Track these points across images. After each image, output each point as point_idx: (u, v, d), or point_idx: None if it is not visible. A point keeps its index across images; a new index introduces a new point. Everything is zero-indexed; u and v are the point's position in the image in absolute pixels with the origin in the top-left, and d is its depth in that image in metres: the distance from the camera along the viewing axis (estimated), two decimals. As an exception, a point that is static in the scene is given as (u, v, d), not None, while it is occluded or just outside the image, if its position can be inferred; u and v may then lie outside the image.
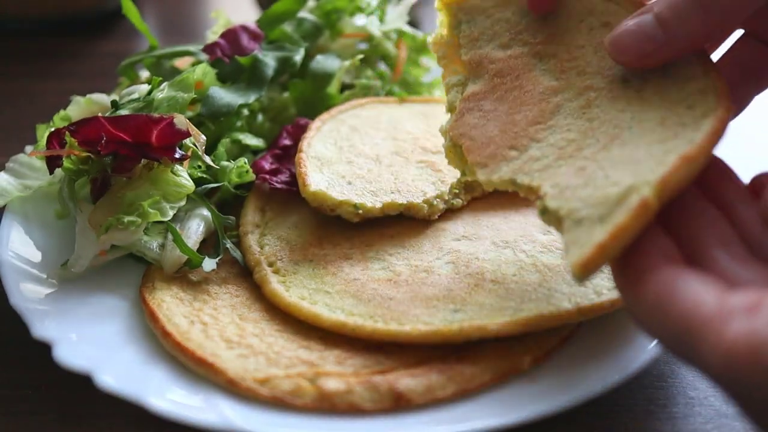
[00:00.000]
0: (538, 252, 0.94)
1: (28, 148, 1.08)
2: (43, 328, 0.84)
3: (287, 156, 1.08)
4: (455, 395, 0.79)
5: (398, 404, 0.78)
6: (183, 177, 0.94)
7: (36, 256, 0.95)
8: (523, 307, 0.84)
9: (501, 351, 0.83)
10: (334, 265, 0.94)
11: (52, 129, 0.94)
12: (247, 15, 1.76)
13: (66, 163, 0.92)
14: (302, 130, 1.11)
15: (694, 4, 0.74)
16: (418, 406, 0.79)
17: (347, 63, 1.19)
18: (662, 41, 0.76)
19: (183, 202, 0.93)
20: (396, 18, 1.27)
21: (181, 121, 0.92)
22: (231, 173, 1.02)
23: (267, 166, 1.06)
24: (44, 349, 0.83)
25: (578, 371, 0.81)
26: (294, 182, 1.02)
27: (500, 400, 0.78)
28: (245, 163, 1.03)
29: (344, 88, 1.23)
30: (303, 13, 1.24)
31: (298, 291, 0.90)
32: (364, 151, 1.06)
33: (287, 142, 1.09)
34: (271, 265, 0.95)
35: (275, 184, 1.04)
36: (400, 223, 1.00)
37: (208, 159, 0.99)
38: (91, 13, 1.75)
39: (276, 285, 0.91)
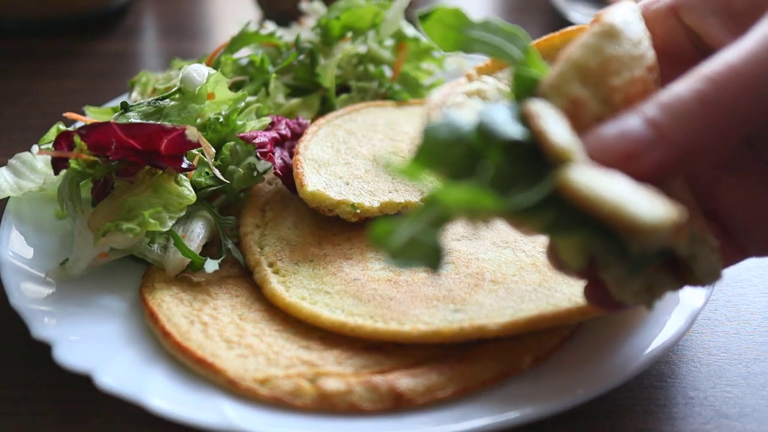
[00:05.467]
0: (538, 252, 0.94)
1: (35, 148, 1.08)
2: (43, 328, 0.84)
3: (284, 145, 1.08)
4: (455, 395, 0.79)
5: (398, 404, 0.78)
6: (185, 187, 0.94)
7: (36, 256, 0.96)
8: (523, 307, 0.84)
9: (501, 351, 0.83)
10: (334, 265, 0.94)
11: (62, 130, 0.94)
12: (248, 15, 1.77)
13: (72, 164, 0.92)
14: (300, 128, 1.11)
15: (693, 101, 0.61)
16: (418, 406, 0.79)
17: (338, 56, 1.19)
18: (653, 142, 0.61)
19: (183, 213, 0.93)
20: (392, 20, 1.26)
21: (192, 133, 0.92)
22: (237, 178, 1.02)
23: (266, 138, 1.05)
24: (45, 349, 0.83)
25: (578, 371, 0.81)
26: (289, 175, 1.02)
27: (500, 400, 0.78)
28: (253, 165, 1.04)
29: (341, 90, 1.24)
30: (305, 34, 1.25)
31: (298, 291, 0.90)
32: (361, 152, 1.07)
33: (285, 132, 1.09)
34: (271, 265, 0.95)
35: (276, 159, 1.03)
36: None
37: (218, 173, 0.99)
38: (91, 13, 1.75)
39: (276, 285, 0.91)
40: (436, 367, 0.81)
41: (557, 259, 0.69)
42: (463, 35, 0.69)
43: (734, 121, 0.61)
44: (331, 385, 0.79)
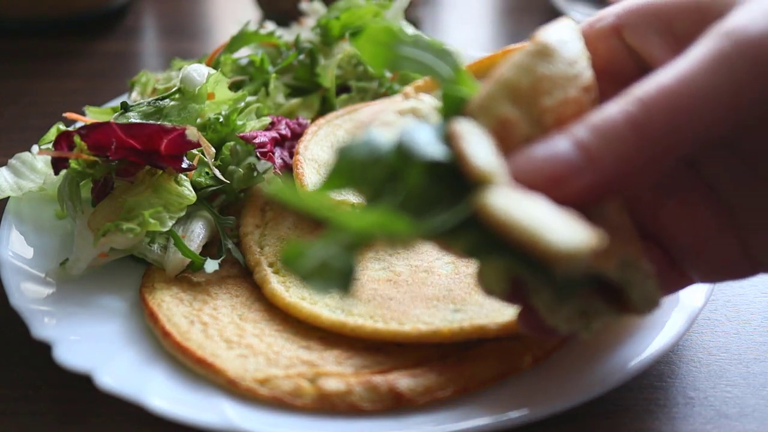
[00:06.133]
0: (538, 252, 0.94)
1: (35, 149, 1.08)
2: (43, 328, 0.84)
3: (284, 145, 1.08)
4: (455, 395, 0.79)
5: (398, 404, 0.78)
6: (185, 187, 0.94)
7: (36, 256, 0.96)
8: (523, 307, 0.84)
9: (501, 351, 0.83)
10: (334, 265, 0.94)
11: (62, 130, 0.94)
12: (248, 15, 1.77)
13: (72, 164, 0.92)
14: (300, 128, 1.11)
15: (624, 123, 0.59)
16: (418, 406, 0.79)
17: (338, 56, 1.19)
18: (582, 165, 0.59)
19: (183, 213, 0.93)
20: (392, 20, 1.26)
21: (192, 133, 0.92)
22: (237, 178, 1.02)
23: (266, 138, 1.05)
24: (45, 349, 0.83)
25: (578, 371, 0.81)
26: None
27: (500, 400, 0.78)
28: (253, 165, 1.04)
29: (341, 90, 1.24)
30: (305, 34, 1.25)
31: (298, 291, 0.90)
32: (362, 152, 1.06)
33: (285, 132, 1.09)
34: (271, 265, 0.95)
35: (276, 159, 1.03)
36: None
37: (218, 172, 0.99)
38: (91, 13, 1.75)
39: (276, 285, 0.91)
40: (436, 367, 0.81)
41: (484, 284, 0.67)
42: (392, 52, 0.66)
43: (667, 143, 0.59)
44: (331, 385, 0.79)
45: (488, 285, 0.64)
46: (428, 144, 0.60)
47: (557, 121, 0.63)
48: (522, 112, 0.63)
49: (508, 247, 0.57)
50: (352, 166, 0.59)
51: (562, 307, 0.65)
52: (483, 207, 0.56)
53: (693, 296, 0.87)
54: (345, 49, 1.22)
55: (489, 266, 0.63)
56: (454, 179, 0.59)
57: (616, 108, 0.60)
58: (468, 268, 0.92)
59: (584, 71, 0.67)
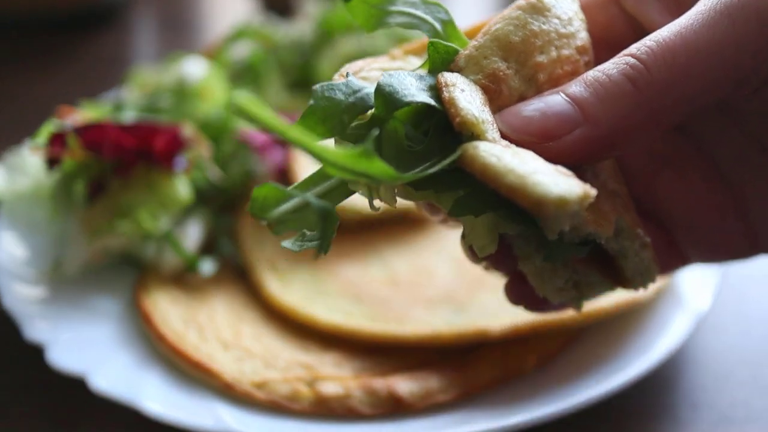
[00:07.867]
0: (540, 252, 0.92)
1: (29, 147, 1.06)
2: (35, 330, 0.83)
3: (282, 145, 1.07)
4: (456, 399, 0.78)
5: (397, 408, 0.77)
6: (181, 187, 0.93)
7: (30, 257, 0.94)
8: (525, 309, 0.83)
9: (503, 354, 0.81)
10: (332, 266, 0.92)
11: (56, 129, 0.93)
12: (246, 11, 1.75)
13: (66, 163, 0.91)
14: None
15: (621, 78, 0.56)
16: (418, 410, 0.77)
17: (338, 53, 1.18)
18: (575, 119, 0.56)
19: (179, 213, 0.92)
20: None
21: (188, 131, 0.91)
22: (235, 176, 1.01)
23: (264, 137, 1.03)
24: (38, 351, 0.82)
25: (581, 374, 0.79)
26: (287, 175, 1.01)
27: (502, 404, 0.77)
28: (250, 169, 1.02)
29: None
30: (304, 30, 1.24)
31: (296, 292, 0.89)
32: (361, 150, 1.05)
33: None
34: (269, 266, 0.93)
35: (273, 158, 1.02)
36: (400, 223, 0.98)
37: (215, 172, 0.98)
38: (87, 9, 1.74)
39: (274, 286, 0.89)
40: (437, 370, 0.80)
41: (472, 249, 0.62)
42: (383, 10, 0.63)
43: (665, 101, 0.56)
44: (330, 389, 0.78)
45: (475, 244, 0.59)
46: (412, 89, 0.56)
47: (551, 80, 0.61)
48: (514, 68, 0.60)
49: (495, 202, 0.53)
50: (329, 107, 0.55)
51: (555, 275, 0.61)
52: (469, 154, 0.53)
53: (698, 297, 0.86)
54: (345, 46, 1.20)
55: (476, 224, 0.58)
56: (437, 131, 0.56)
57: (612, 64, 0.57)
58: (469, 269, 0.90)
59: (579, 32, 0.64)
